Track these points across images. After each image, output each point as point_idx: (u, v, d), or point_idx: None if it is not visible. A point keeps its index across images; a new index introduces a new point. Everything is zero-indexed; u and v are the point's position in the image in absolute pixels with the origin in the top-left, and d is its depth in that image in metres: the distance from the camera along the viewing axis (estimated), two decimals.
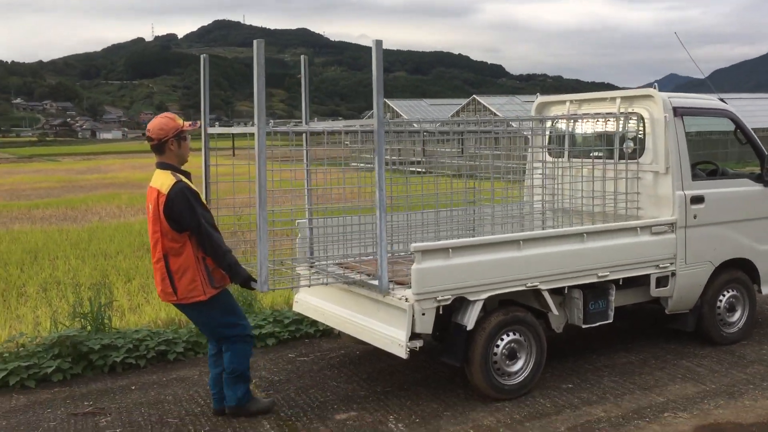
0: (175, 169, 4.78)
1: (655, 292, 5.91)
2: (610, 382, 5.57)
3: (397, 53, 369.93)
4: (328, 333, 7.06)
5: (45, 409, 5.28)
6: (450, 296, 4.98)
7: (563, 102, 6.93)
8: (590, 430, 4.74)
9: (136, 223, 16.56)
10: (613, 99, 6.42)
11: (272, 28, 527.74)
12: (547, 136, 6.97)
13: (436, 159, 7.66)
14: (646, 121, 6.13)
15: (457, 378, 5.70)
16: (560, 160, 6.87)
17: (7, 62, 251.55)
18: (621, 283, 5.74)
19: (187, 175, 4.82)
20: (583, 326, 5.61)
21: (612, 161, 6.29)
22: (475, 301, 5.08)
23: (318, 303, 5.97)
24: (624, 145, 6.21)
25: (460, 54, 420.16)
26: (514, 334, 5.29)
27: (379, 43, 4.91)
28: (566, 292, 5.53)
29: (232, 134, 5.68)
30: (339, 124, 6.45)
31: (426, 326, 4.93)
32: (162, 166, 4.80)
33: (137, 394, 5.58)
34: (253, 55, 4.54)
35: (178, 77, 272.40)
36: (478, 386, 5.21)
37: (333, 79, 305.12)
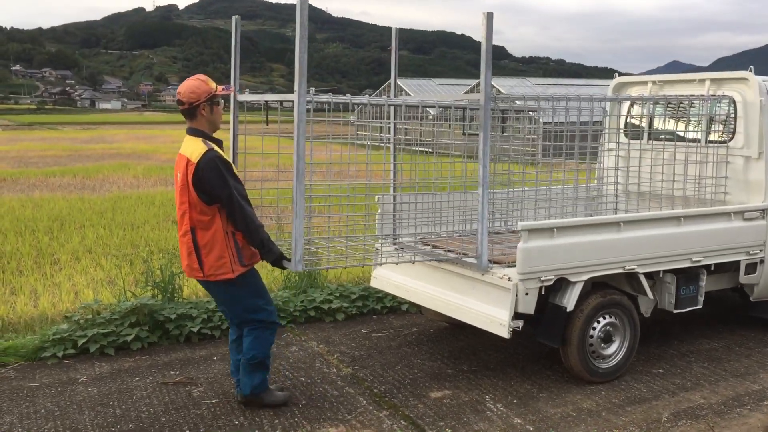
0: (206, 136, 4.45)
1: (744, 278, 5.84)
2: (700, 369, 5.51)
3: (400, 32, 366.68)
4: (395, 309, 6.99)
5: (132, 377, 5.20)
6: (553, 276, 4.90)
7: (644, 83, 6.80)
8: (694, 417, 4.68)
9: (157, 195, 16.48)
10: (702, 81, 6.30)
11: (273, 1, 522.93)
12: (623, 118, 6.86)
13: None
14: (738, 104, 6.02)
15: (541, 359, 5.65)
16: (638, 142, 6.75)
17: (6, 28, 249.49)
18: (712, 268, 5.66)
19: (219, 143, 4.50)
20: (674, 311, 5.54)
21: (696, 144, 6.19)
22: (576, 282, 5.00)
23: (400, 279, 5.87)
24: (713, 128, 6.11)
25: (463, 34, 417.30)
26: (610, 317, 5.22)
27: (490, 15, 4.79)
28: (661, 276, 5.45)
29: (265, 102, 5.30)
30: (418, 100, 6.26)
31: (528, 306, 4.85)
32: (193, 132, 4.46)
33: (221, 365, 5.49)
34: (296, 14, 4.16)
35: (178, 49, 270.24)
36: (573, 368, 5.14)
37: (334, 56, 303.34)
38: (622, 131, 6.83)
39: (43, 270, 8.69)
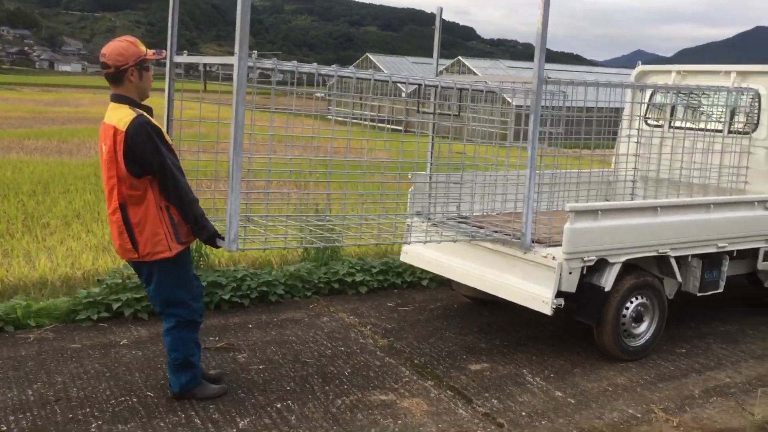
0: (133, 103, 4.06)
1: (762, 265, 6.09)
2: (720, 350, 5.76)
3: (369, 7, 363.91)
4: (415, 284, 7.10)
5: None
6: (595, 257, 5.05)
7: (668, 72, 6.98)
8: (723, 395, 4.90)
9: None
10: (727, 73, 6.49)
11: None
12: (645, 106, 7.03)
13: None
14: (763, 97, 6.23)
15: (569, 336, 5.82)
16: (659, 129, 6.94)
17: None
18: (735, 254, 5.89)
19: (149, 110, 4.10)
20: (698, 294, 5.76)
21: (717, 134, 6.39)
22: (614, 263, 5.16)
23: (432, 255, 5.96)
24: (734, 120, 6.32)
25: (432, 13, 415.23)
26: (642, 298, 5.41)
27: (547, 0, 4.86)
28: (689, 260, 5.66)
29: (204, 65, 4.69)
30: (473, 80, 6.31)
31: (571, 285, 4.99)
32: (118, 99, 4.05)
33: (258, 332, 5.54)
34: None
35: (142, 13, 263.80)
36: (606, 346, 5.32)
37: (302, 28, 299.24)
38: (642, 118, 7.01)
39: (33, 233, 8.55)
